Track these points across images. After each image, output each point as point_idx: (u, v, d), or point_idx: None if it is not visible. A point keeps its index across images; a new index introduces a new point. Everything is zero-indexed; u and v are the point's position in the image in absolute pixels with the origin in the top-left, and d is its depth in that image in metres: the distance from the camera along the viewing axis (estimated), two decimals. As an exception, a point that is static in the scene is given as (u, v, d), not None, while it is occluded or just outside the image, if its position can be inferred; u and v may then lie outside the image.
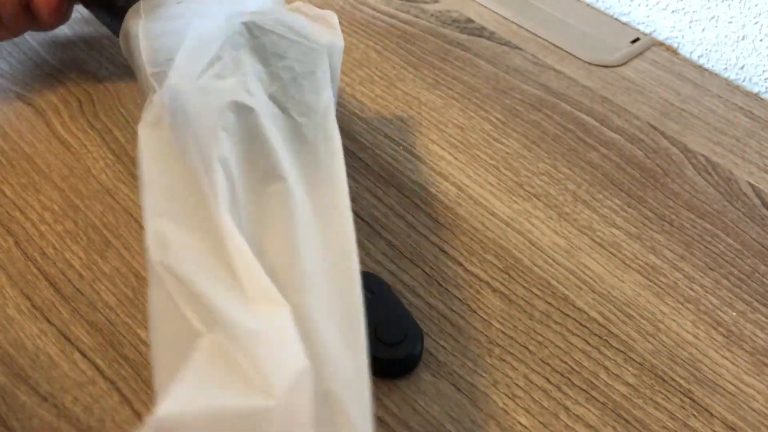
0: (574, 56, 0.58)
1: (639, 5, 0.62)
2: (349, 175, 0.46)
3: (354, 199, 0.45)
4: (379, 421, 0.35)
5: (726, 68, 0.60)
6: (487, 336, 0.39)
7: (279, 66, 0.38)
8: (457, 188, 0.46)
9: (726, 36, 0.59)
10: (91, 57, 0.52)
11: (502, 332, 0.39)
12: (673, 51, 0.61)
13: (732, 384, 0.38)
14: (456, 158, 0.48)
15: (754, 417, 0.37)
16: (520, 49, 0.58)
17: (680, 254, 0.44)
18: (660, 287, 0.42)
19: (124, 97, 0.49)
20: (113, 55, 0.52)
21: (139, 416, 0.34)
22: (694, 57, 0.61)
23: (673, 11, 0.61)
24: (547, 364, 0.38)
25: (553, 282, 0.42)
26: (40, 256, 0.40)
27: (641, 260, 0.43)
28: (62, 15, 0.46)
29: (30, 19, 0.45)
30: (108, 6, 0.44)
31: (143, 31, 0.38)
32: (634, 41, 0.61)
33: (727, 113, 0.54)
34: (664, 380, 0.38)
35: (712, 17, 0.59)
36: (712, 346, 0.39)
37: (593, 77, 0.56)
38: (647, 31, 0.63)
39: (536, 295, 0.41)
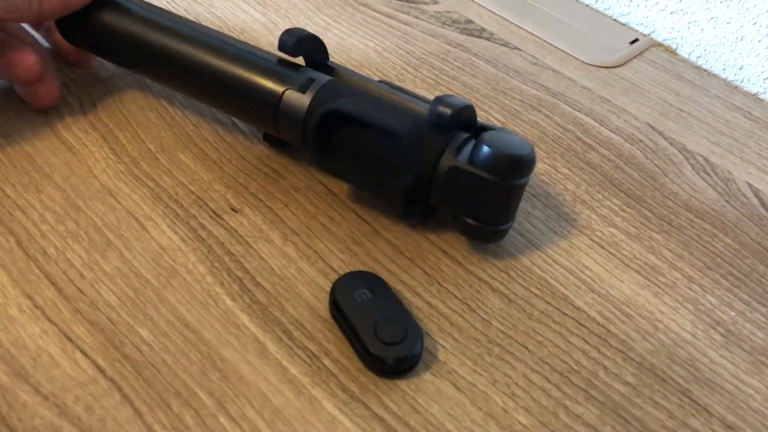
0: (573, 57, 0.58)
1: (638, 6, 0.63)
2: (349, 176, 0.46)
3: (355, 199, 0.45)
4: (379, 419, 0.35)
5: (724, 69, 0.60)
6: (486, 335, 0.39)
7: None
8: (457, 188, 0.46)
9: (724, 37, 0.59)
10: (92, 57, 0.52)
11: (502, 331, 0.39)
12: (672, 52, 0.61)
13: (731, 383, 0.38)
14: (456, 158, 0.48)
15: (753, 416, 0.37)
16: (519, 49, 0.58)
17: (679, 254, 0.44)
18: (659, 287, 0.42)
19: (125, 97, 0.49)
20: (114, 55, 0.53)
21: (140, 415, 0.34)
22: (693, 58, 0.61)
23: (671, 12, 0.61)
24: (547, 363, 0.38)
25: (552, 281, 0.42)
26: (41, 256, 0.40)
27: (640, 260, 0.43)
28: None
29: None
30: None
31: None
32: (633, 42, 0.61)
33: (726, 114, 0.55)
34: (662, 379, 0.38)
35: (711, 18, 0.59)
36: (710, 345, 0.40)
37: (592, 78, 0.56)
38: (646, 31, 0.63)
39: (535, 294, 0.41)
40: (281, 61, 0.43)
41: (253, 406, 0.35)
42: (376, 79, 0.47)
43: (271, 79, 0.42)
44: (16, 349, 0.36)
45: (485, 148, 0.38)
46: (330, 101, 0.41)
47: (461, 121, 0.41)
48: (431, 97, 0.52)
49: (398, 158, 0.40)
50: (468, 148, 0.40)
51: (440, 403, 0.36)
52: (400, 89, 0.44)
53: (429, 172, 0.40)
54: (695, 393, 0.37)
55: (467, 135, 0.41)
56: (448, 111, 0.39)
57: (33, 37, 0.48)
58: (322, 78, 0.42)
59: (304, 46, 0.43)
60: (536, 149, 0.50)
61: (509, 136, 0.40)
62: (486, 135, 0.39)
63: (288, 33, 0.42)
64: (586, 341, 0.39)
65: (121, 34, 0.45)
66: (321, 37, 0.57)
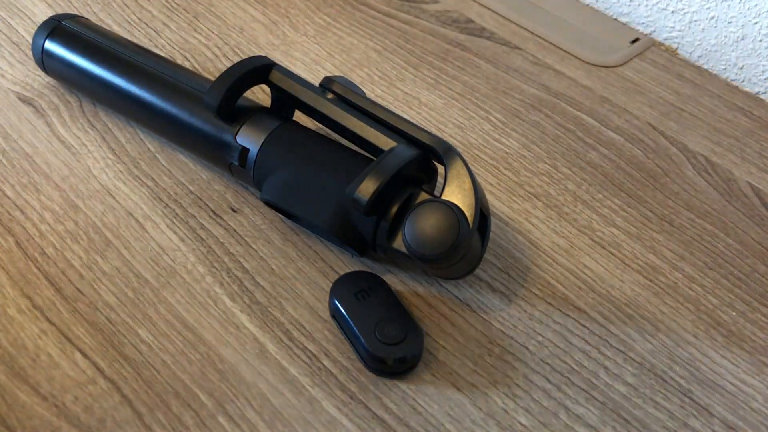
0: (573, 56, 0.58)
1: (639, 5, 0.63)
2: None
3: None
4: (379, 420, 0.35)
5: (725, 68, 0.60)
6: (486, 336, 0.39)
7: None
8: (457, 188, 0.46)
9: (725, 36, 0.59)
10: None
11: (502, 332, 0.39)
12: (673, 51, 0.61)
13: (731, 384, 0.38)
14: (456, 158, 0.48)
15: (754, 417, 0.37)
16: (520, 49, 0.58)
17: (680, 254, 0.44)
18: (660, 287, 0.42)
19: (125, 97, 0.49)
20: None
21: (139, 416, 0.34)
22: (694, 57, 0.61)
23: (672, 11, 0.61)
24: (547, 363, 0.38)
25: (553, 282, 0.42)
26: (40, 256, 0.40)
27: (641, 260, 0.43)
28: None
29: None
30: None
31: None
32: (633, 41, 0.61)
33: (727, 113, 0.54)
34: (663, 380, 0.38)
35: (712, 18, 0.59)
36: (711, 345, 0.40)
37: (593, 77, 0.56)
38: (647, 31, 0.63)
39: (536, 294, 0.41)
40: (222, 108, 0.41)
41: (252, 407, 0.35)
42: (365, 91, 0.46)
43: (215, 152, 0.42)
44: (15, 350, 0.36)
45: (406, 238, 0.36)
46: (268, 172, 0.40)
47: (400, 182, 0.38)
48: (426, 90, 0.52)
49: (338, 239, 0.40)
50: (400, 225, 0.37)
51: (440, 404, 0.36)
52: (366, 113, 0.41)
53: (369, 245, 0.39)
54: (696, 393, 0.37)
55: (400, 203, 0.38)
56: (364, 198, 0.36)
57: None
58: (256, 144, 0.41)
59: (228, 104, 0.41)
60: (537, 149, 0.50)
61: (438, 213, 0.36)
62: (409, 219, 0.36)
63: (209, 95, 0.41)
64: (586, 342, 0.39)
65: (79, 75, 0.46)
66: (321, 36, 0.57)
